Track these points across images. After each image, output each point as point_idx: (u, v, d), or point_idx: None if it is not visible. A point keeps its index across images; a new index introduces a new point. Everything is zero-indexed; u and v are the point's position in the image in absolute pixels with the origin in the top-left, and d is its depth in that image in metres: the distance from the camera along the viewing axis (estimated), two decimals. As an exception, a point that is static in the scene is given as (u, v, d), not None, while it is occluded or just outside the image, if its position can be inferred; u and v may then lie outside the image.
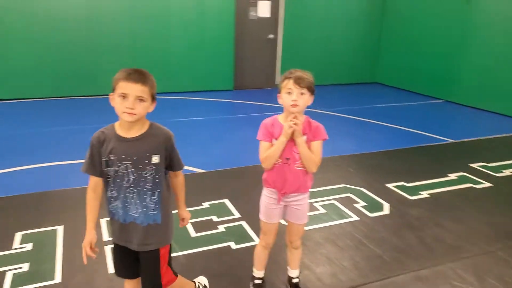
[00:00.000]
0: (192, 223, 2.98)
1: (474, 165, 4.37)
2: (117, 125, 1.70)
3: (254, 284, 2.28)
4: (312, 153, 1.99)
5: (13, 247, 2.61)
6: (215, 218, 3.08)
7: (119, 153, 1.66)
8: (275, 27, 8.18)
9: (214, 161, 4.26)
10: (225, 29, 7.55)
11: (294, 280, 2.28)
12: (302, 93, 1.92)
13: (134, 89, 1.59)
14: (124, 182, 1.68)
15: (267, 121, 2.05)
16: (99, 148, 1.68)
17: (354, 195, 3.58)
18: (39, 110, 6.07)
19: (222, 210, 3.20)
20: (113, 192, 1.70)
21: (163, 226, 1.77)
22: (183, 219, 1.96)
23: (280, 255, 2.57)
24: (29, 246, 2.63)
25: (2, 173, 3.81)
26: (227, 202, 3.34)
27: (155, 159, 1.69)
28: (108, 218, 1.79)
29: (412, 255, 2.72)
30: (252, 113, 6.32)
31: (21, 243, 2.66)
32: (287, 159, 2.00)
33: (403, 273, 2.52)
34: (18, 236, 2.73)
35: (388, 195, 3.60)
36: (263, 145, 2.02)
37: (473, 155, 4.71)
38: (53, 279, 2.33)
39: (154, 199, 1.73)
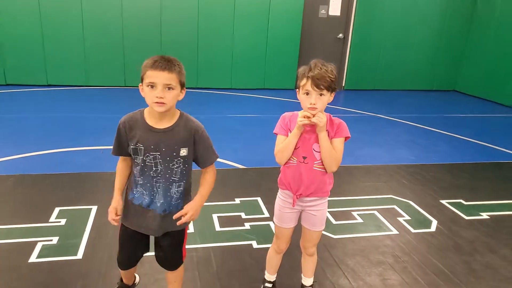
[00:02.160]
0: (219, 217, 2.94)
1: (556, 189, 3.76)
2: (146, 112, 1.68)
3: (265, 287, 2.16)
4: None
5: (49, 221, 2.78)
6: (243, 215, 3.01)
7: (147, 143, 1.64)
8: (345, 26, 7.88)
9: (258, 159, 4.18)
10: (292, 27, 7.44)
11: (309, 289, 2.11)
12: (321, 94, 1.75)
13: (162, 77, 1.54)
14: (152, 172, 1.66)
15: (286, 114, 1.92)
16: (126, 134, 1.67)
17: (400, 207, 3.26)
18: (94, 97, 6.49)
19: (252, 208, 3.12)
20: (139, 179, 1.69)
21: None
22: (185, 214, 1.67)
23: (299, 259, 2.41)
24: (63, 221, 2.77)
25: (55, 152, 4.10)
26: (259, 200, 3.24)
27: (183, 152, 1.65)
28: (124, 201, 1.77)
29: (453, 280, 2.39)
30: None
31: (57, 218, 2.82)
32: (304, 157, 1.84)
33: (437, 300, 2.22)
34: (56, 211, 2.91)
35: (440, 212, 3.22)
36: (279, 139, 1.90)
37: (556, 177, 4.06)
38: (75, 255, 2.43)
39: (180, 189, 1.71)
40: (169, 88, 1.56)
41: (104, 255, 2.43)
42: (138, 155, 1.65)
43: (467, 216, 3.19)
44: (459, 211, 3.26)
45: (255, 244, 2.65)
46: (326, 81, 1.72)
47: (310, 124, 1.78)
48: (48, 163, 3.79)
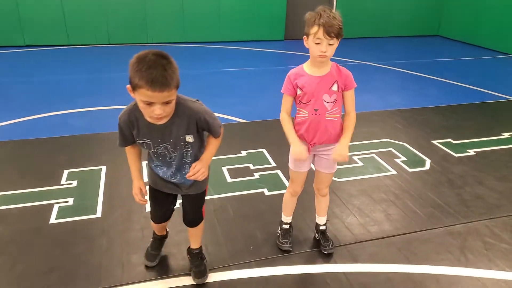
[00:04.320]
0: (229, 170, 3.11)
1: (535, 124, 4.05)
2: None
3: (282, 229, 2.38)
4: (347, 104, 1.98)
5: (61, 183, 2.90)
6: (251, 166, 3.19)
7: (154, 137, 1.67)
8: (329, -26, 7.77)
9: (256, 112, 4.32)
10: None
11: (321, 228, 2.34)
12: (331, 44, 1.82)
13: (160, 97, 1.44)
14: (167, 158, 1.75)
15: (292, 72, 2.00)
16: (130, 130, 1.68)
17: (396, 150, 3.49)
18: (92, 57, 6.40)
19: (259, 159, 3.30)
20: (156, 162, 1.79)
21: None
22: (194, 167, 1.71)
23: (309, 202, 2.64)
24: (74, 183, 2.89)
25: (48, 116, 4.13)
26: (264, 151, 3.42)
27: (189, 138, 1.69)
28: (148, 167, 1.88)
29: (447, 211, 2.66)
30: (295, 64, 6.20)
31: (67, 180, 2.93)
32: (316, 109, 1.96)
33: (436, 227, 2.49)
34: (65, 173, 3.02)
35: (432, 152, 3.47)
36: (285, 99, 2.01)
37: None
38: (94, 213, 2.56)
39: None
40: (168, 103, 1.49)
41: (123, 212, 2.58)
42: (147, 149, 1.71)
43: (456, 153, 3.45)
44: (449, 150, 3.51)
45: (266, 192, 2.85)
46: (336, 29, 1.79)
47: (319, 75, 1.90)
48: (43, 128, 3.83)
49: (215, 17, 7.33)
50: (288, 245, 2.29)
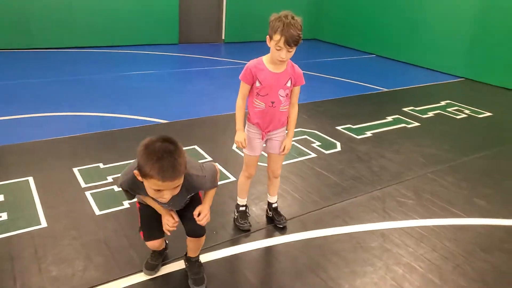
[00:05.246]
0: (168, 167, 3.18)
1: (405, 109, 5.00)
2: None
3: (239, 211, 2.59)
4: (293, 97, 2.31)
5: (-14, 199, 2.62)
6: (188, 162, 3.30)
7: (164, 204, 1.74)
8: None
9: (175, 112, 4.40)
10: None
11: (274, 205, 2.62)
12: (290, 51, 2.08)
13: (171, 185, 1.49)
14: (165, 205, 1.81)
15: (251, 63, 2.24)
16: (134, 192, 1.76)
17: (310, 136, 3.98)
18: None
19: (194, 155, 3.42)
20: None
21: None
22: (199, 215, 1.82)
23: (256, 188, 2.91)
24: (1, 197, 2.64)
25: None
26: (197, 147, 3.56)
27: (189, 198, 1.86)
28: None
29: (364, 181, 3.21)
30: (203, 67, 6.41)
31: (-7, 195, 2.66)
32: (273, 102, 2.24)
33: (360, 195, 3.00)
34: (-12, 188, 2.73)
35: (339, 136, 4.06)
36: (243, 86, 2.25)
37: (404, 101, 5.36)
38: (39, 224, 2.41)
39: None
40: (177, 187, 1.55)
41: (69, 218, 2.47)
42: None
43: (357, 135, 4.10)
44: (352, 133, 4.15)
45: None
46: (296, 39, 2.05)
47: (278, 73, 2.18)
48: None
49: (107, 21, 7.03)
50: (248, 224, 2.52)
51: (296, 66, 2.28)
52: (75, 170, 3.03)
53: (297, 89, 2.31)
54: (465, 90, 6.28)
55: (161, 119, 4.20)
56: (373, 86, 6.04)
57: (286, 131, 2.42)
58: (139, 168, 1.49)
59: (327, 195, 2.97)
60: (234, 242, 2.41)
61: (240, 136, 2.27)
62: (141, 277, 2.06)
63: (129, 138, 3.65)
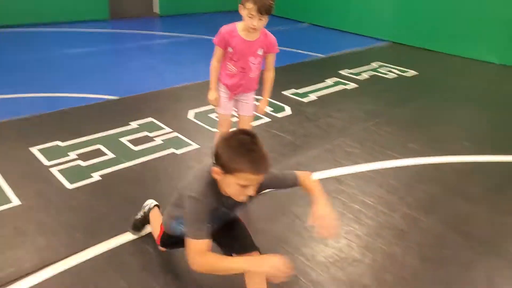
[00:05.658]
0: (130, 140, 3.24)
1: (342, 72, 5.40)
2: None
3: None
4: (268, 63, 2.47)
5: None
6: (148, 134, 3.38)
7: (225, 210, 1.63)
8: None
9: (122, 89, 4.36)
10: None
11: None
12: (261, 19, 2.19)
13: (260, 179, 1.40)
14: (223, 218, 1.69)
15: (225, 28, 2.34)
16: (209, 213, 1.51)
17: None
18: None
19: (152, 127, 3.50)
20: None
21: None
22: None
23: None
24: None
25: None
26: (153, 120, 3.63)
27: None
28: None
29: (315, 137, 3.52)
30: (141, 42, 6.29)
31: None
32: (243, 68, 2.39)
33: (313, 149, 3.31)
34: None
35: (287, 100, 4.33)
36: (217, 49, 2.40)
37: (340, 65, 5.75)
38: (10, 202, 2.41)
39: None
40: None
41: (41, 198, 2.49)
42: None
43: (303, 99, 4.40)
44: (298, 97, 4.44)
45: (177, 151, 3.15)
46: (268, 7, 2.15)
47: (250, 40, 2.31)
48: None
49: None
50: None
51: (269, 34, 2.41)
52: (34, 150, 2.99)
53: (271, 57, 2.45)
54: (393, 52, 6.85)
55: (110, 95, 4.17)
56: (311, 53, 6.37)
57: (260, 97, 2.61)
58: (223, 164, 1.36)
59: (284, 152, 3.24)
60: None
61: (212, 95, 2.45)
62: (128, 236, 2.19)
63: (82, 115, 3.63)
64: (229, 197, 1.46)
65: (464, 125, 4.03)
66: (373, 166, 3.08)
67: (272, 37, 2.42)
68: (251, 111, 2.63)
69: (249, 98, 2.57)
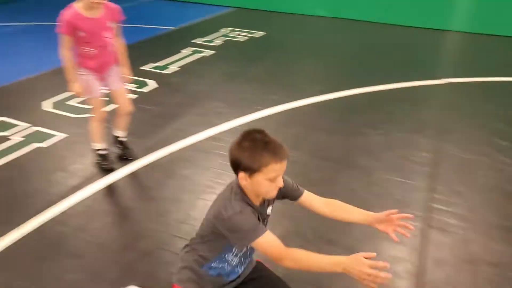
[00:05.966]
0: (-18, 144, 2.90)
1: (196, 41, 5.55)
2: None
3: (100, 155, 2.64)
4: (117, 35, 2.45)
5: None
6: (4, 133, 3.06)
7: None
8: None
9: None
10: None
11: (123, 139, 2.77)
12: None
13: (284, 167, 1.38)
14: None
15: (67, 14, 2.25)
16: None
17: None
18: None
19: (5, 126, 3.17)
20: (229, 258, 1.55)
21: None
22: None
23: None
24: None
25: None
26: (5, 118, 3.28)
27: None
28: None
29: (187, 104, 3.67)
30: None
31: None
32: (101, 46, 2.35)
33: (187, 116, 3.45)
34: None
35: (148, 75, 4.32)
36: (66, 38, 2.30)
37: (193, 34, 5.87)
38: None
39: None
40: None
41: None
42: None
43: (165, 71, 4.45)
44: (158, 70, 4.47)
45: (44, 145, 2.95)
46: None
47: (97, 17, 2.27)
48: None
49: None
50: (112, 165, 2.67)
51: (111, 4, 2.40)
52: None
53: (115, 25, 2.45)
54: (239, 17, 7.22)
55: None
56: (162, 27, 6.32)
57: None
58: (247, 166, 1.35)
59: (158, 123, 3.32)
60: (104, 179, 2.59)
61: (74, 86, 2.37)
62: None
63: None
64: (259, 206, 1.49)
65: (309, 72, 4.63)
66: (243, 120, 3.38)
67: (115, 6, 2.45)
68: (121, 83, 2.62)
69: (115, 72, 2.56)
